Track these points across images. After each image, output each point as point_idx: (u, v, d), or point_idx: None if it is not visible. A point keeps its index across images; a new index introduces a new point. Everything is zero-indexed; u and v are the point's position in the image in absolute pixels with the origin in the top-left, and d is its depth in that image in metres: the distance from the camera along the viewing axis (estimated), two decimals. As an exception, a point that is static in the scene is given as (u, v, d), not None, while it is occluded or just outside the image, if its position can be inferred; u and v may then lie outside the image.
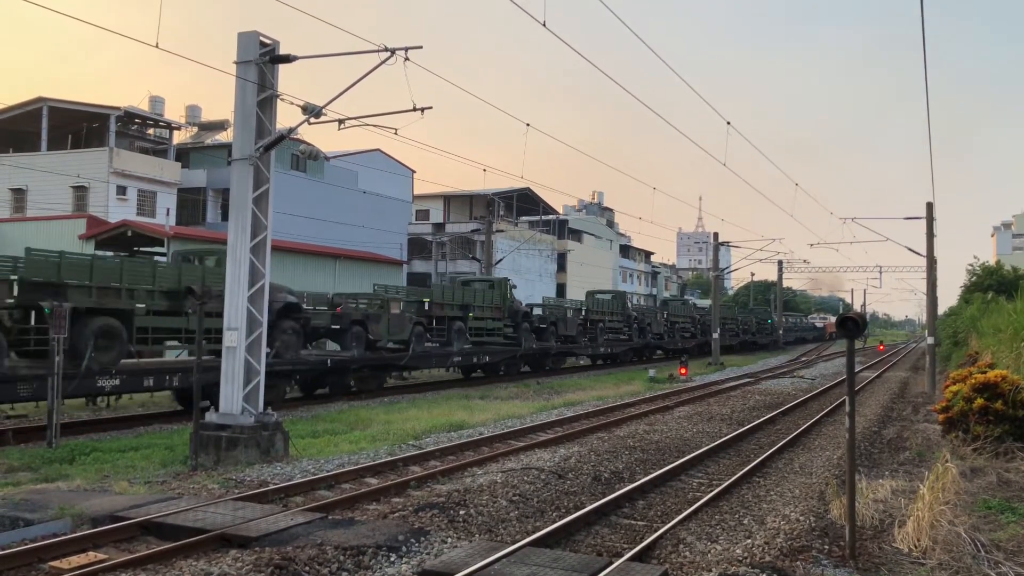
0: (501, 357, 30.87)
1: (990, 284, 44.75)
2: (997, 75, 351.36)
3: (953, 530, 8.30)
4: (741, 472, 12.66)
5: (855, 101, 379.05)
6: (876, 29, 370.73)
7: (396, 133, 14.56)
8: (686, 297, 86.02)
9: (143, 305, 17.19)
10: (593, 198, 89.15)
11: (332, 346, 25.44)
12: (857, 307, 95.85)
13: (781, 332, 70.62)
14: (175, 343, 19.36)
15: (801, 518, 9.82)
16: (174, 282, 17.77)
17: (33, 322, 15.65)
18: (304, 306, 21.91)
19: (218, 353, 14.46)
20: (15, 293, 15.15)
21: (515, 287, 33.20)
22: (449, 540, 8.59)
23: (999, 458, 12.40)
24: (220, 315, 14.51)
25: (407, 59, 12.67)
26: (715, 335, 45.21)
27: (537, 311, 35.06)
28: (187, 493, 10.62)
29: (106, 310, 16.29)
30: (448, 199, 64.43)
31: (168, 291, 17.69)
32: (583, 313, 38.64)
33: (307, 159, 44.96)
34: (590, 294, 43.10)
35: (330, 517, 9.37)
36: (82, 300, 15.81)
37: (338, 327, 23.38)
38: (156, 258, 21.51)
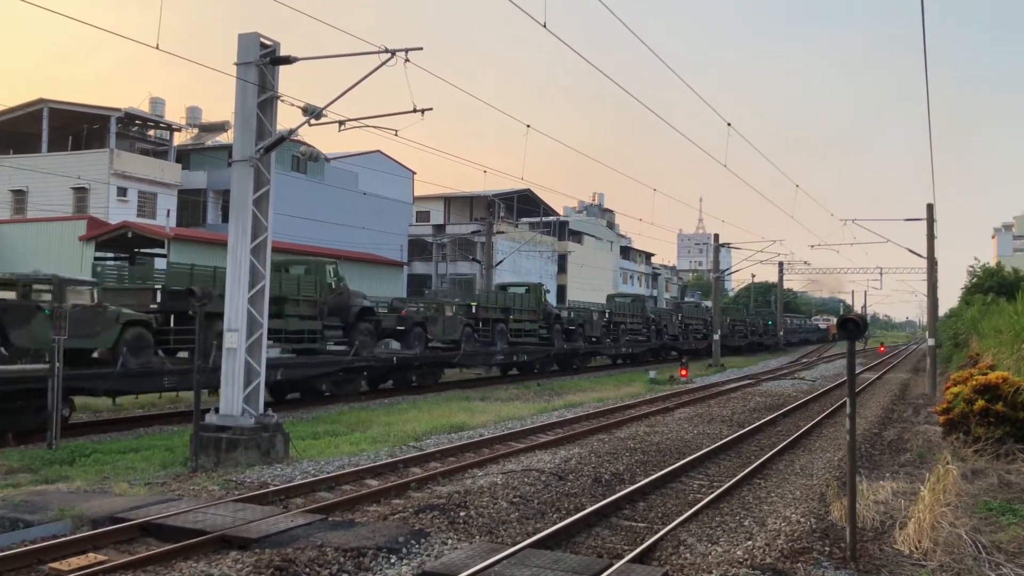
0: (536, 356, 33.35)
1: (991, 286, 44.73)
2: (998, 76, 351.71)
3: (954, 532, 8.29)
4: (742, 474, 12.65)
5: (855, 101, 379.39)
6: (876, 29, 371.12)
7: (396, 134, 14.58)
8: (687, 299, 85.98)
9: None
10: (593, 199, 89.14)
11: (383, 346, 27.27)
12: (858, 308, 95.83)
13: (782, 334, 70.58)
14: (271, 342, 20.81)
15: (802, 520, 9.81)
16: (275, 290, 19.67)
17: (173, 324, 18.54)
18: (376, 309, 24.71)
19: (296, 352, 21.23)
20: (158, 300, 18.16)
21: (548, 292, 35.89)
22: (449, 542, 8.58)
23: (1000, 460, 12.39)
24: (305, 318, 21.03)
25: (407, 60, 12.68)
26: (716, 336, 45.19)
27: (566, 314, 37.29)
28: (187, 495, 10.62)
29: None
30: (448, 200, 64.45)
31: (273, 298, 19.33)
32: (606, 316, 40.82)
33: (307, 160, 44.98)
34: (611, 297, 45.93)
35: (330, 519, 9.36)
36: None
37: (402, 328, 25.58)
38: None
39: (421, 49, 12.75)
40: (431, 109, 13.58)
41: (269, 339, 19.28)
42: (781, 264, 66.56)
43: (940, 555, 7.86)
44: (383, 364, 24.36)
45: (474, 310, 29.77)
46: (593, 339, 38.74)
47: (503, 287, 35.87)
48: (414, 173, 56.70)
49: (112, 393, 17.71)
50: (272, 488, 10.97)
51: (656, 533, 9.13)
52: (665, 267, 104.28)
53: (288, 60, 13.57)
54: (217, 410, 13.31)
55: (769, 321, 71.35)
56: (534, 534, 8.93)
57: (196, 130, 53.69)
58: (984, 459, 12.45)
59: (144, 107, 47.32)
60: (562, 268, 65.79)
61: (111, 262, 26.33)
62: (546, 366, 35.48)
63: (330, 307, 22.51)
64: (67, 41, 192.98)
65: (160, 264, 34.15)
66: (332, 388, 23.20)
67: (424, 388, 26.42)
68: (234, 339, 13.17)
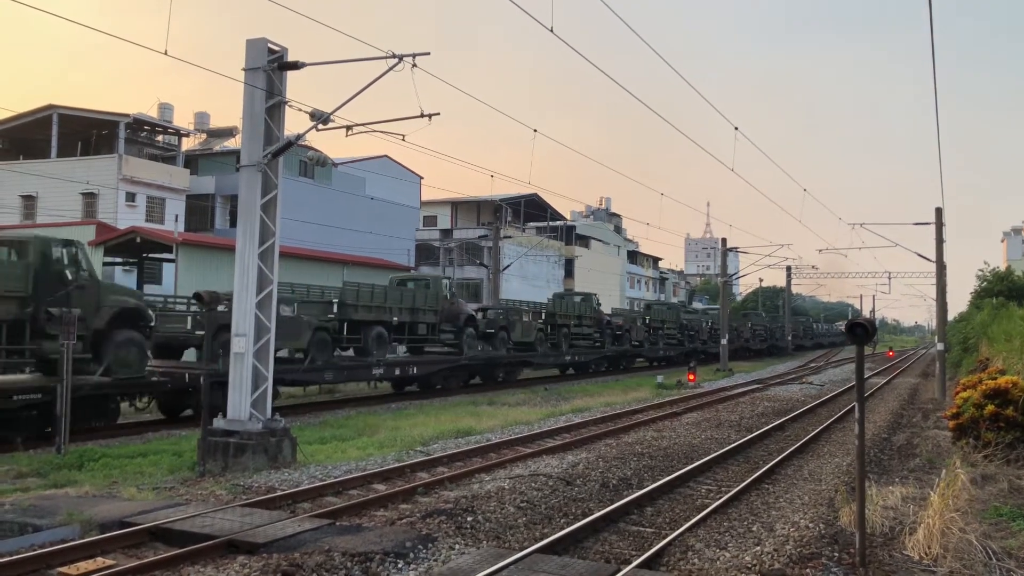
0: (592, 357, 37.45)
1: (1000, 290, 44.53)
2: (1008, 79, 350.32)
3: (964, 537, 8.24)
4: (750, 479, 12.60)
5: (865, 105, 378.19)
6: (884, 34, 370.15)
7: (404, 139, 14.62)
8: (695, 305, 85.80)
9: (396, 319, 24.41)
10: (600, 204, 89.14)
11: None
12: (866, 313, 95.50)
13: (790, 338, 70.36)
14: (397, 344, 26.22)
15: (811, 525, 9.77)
16: (410, 302, 25.09)
17: (346, 331, 22.95)
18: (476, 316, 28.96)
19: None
20: (334, 310, 22.71)
21: (599, 300, 39.92)
22: (457, 547, 8.57)
23: (1010, 465, 12.31)
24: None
25: (415, 65, 12.71)
26: (723, 341, 45.02)
27: (616, 319, 40.59)
28: (195, 499, 10.64)
29: (378, 321, 23.66)
30: (456, 205, 64.50)
31: (410, 308, 25.01)
32: (647, 321, 44.16)
33: (315, 165, 45.10)
34: (648, 305, 49.24)
35: (337, 523, 9.37)
36: (366, 315, 23.22)
37: (491, 331, 29.30)
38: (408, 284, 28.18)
39: (428, 54, 12.78)
40: (438, 114, 13.60)
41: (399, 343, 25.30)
42: (789, 268, 66.40)
43: (950, 561, 7.81)
44: (481, 362, 29.00)
45: (543, 316, 33.51)
46: (637, 343, 41.92)
47: (560, 296, 40.27)
48: (421, 178, 56.82)
49: (301, 383, 22.12)
50: (279, 493, 10.98)
51: (664, 538, 9.09)
52: (672, 271, 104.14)
53: (296, 65, 13.62)
54: (225, 415, 13.34)
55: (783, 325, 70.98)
56: (541, 539, 8.91)
57: (204, 135, 53.93)
58: (994, 464, 12.38)
59: (153, 113, 47.54)
60: (569, 273, 65.75)
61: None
62: (600, 366, 39.39)
63: (444, 315, 26.56)
64: (76, 48, 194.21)
65: (168, 270, 34.34)
66: (442, 382, 27.30)
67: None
68: (241, 343, 13.19)
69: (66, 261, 16.70)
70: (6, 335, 15.13)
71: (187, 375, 18.59)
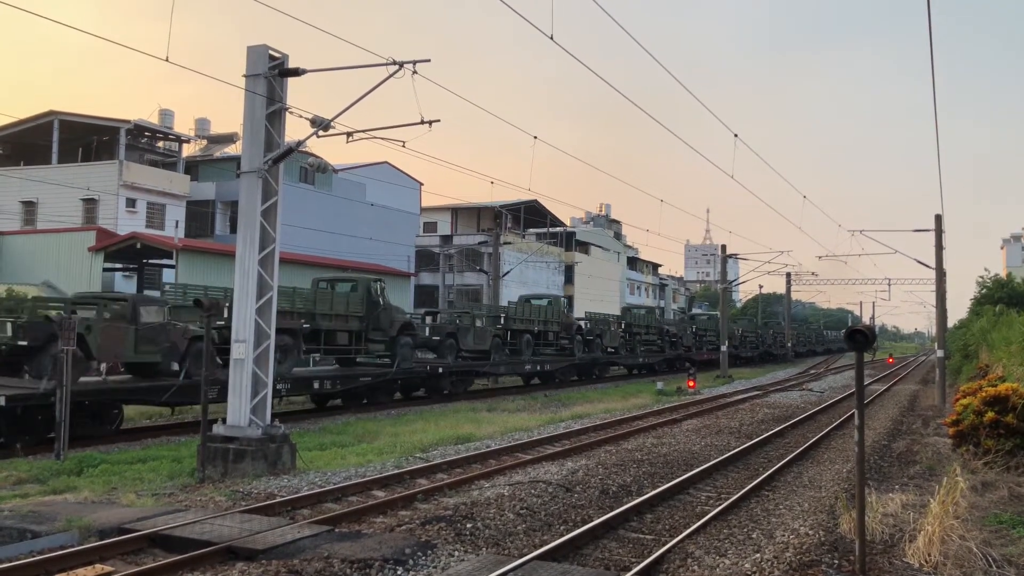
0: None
1: (1000, 297, 44.57)
2: (1006, 85, 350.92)
3: (964, 545, 8.23)
4: (750, 486, 12.59)
5: (865, 112, 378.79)
6: (884, 41, 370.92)
7: (404, 146, 14.63)
8: (695, 311, 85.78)
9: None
10: (600, 210, 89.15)
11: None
12: (866, 319, 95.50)
13: (790, 345, 70.37)
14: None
15: (810, 532, 9.76)
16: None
17: (510, 337, 28.38)
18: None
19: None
20: (502, 322, 27.82)
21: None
22: (456, 553, 8.55)
23: (1010, 472, 12.31)
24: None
25: (415, 72, 12.73)
26: (723, 347, 45.00)
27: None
28: (194, 505, 10.62)
29: (525, 331, 29.26)
30: (456, 211, 64.56)
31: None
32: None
33: (315, 172, 45.15)
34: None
35: (337, 530, 9.35)
36: (519, 325, 28.15)
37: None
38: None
39: (429, 61, 12.81)
40: (439, 121, 13.63)
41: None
42: (789, 275, 66.47)
43: (950, 568, 7.80)
44: (570, 365, 30.66)
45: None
46: (688, 348, 41.84)
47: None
48: (421, 184, 56.91)
49: (487, 375, 27.88)
50: (279, 499, 10.97)
51: (664, 545, 9.09)
52: (672, 278, 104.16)
53: (297, 72, 13.65)
54: (224, 421, 13.33)
55: (781, 332, 71.07)
56: (541, 546, 8.90)
57: (205, 142, 54.01)
58: (994, 471, 12.37)
59: (153, 119, 47.63)
60: (569, 279, 65.76)
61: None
62: (662, 367, 39.15)
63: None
64: (78, 54, 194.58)
65: (168, 275, 34.35)
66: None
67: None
68: (241, 350, 13.19)
69: (378, 292, 24.08)
70: (352, 340, 23.33)
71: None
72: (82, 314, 16.85)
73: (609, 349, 39.23)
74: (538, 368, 32.60)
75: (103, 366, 18.35)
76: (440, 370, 26.48)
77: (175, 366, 17.99)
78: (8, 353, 16.18)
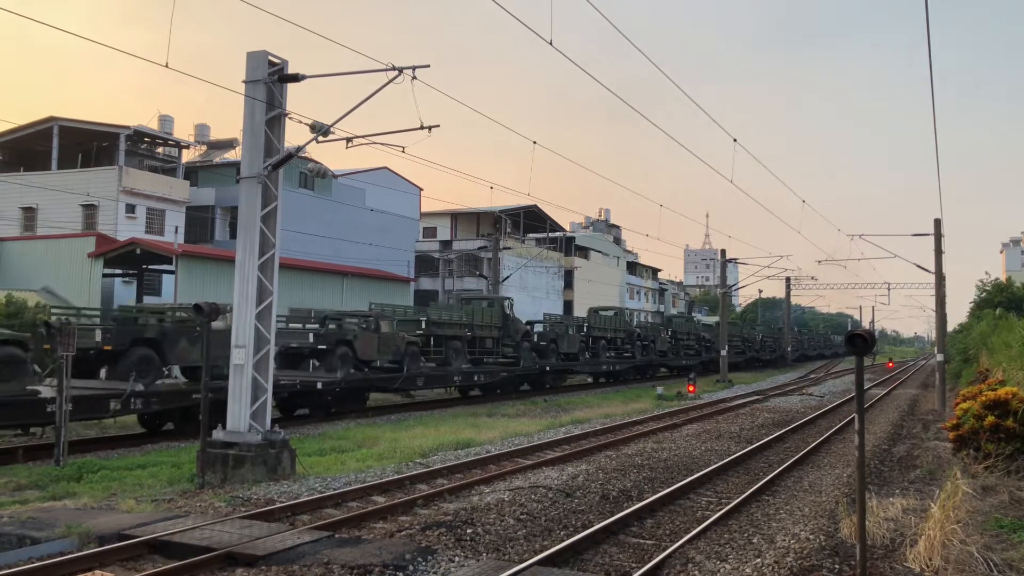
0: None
1: (1000, 301, 44.63)
2: (1005, 87, 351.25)
3: (965, 549, 8.22)
4: (750, 490, 12.58)
5: (862, 115, 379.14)
6: (883, 44, 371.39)
7: (404, 151, 14.65)
8: (695, 316, 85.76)
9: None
10: (600, 215, 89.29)
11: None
12: (866, 324, 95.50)
13: (789, 349, 70.37)
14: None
15: (811, 537, 9.74)
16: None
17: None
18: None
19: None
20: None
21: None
22: (456, 559, 8.54)
23: (1011, 476, 12.28)
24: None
25: (415, 78, 12.75)
26: (723, 352, 44.94)
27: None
28: (194, 511, 10.61)
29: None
30: (455, 216, 64.58)
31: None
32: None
33: (315, 177, 45.16)
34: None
35: (337, 535, 9.34)
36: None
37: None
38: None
39: (428, 67, 12.83)
40: (438, 126, 13.64)
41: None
42: (788, 280, 66.45)
43: (951, 573, 7.79)
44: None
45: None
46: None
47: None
48: (421, 189, 56.91)
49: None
50: (279, 505, 10.96)
51: (664, 551, 9.07)
52: (672, 283, 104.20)
53: (296, 78, 13.67)
54: (224, 426, 13.31)
55: (785, 337, 71.25)
56: (541, 551, 8.89)
57: (204, 147, 54.02)
58: (995, 476, 12.34)
59: (153, 125, 47.65)
60: (568, 284, 65.79)
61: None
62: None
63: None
64: (78, 60, 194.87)
65: (168, 281, 34.33)
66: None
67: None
68: (241, 355, 13.18)
69: (509, 308, 32.39)
70: (492, 344, 31.08)
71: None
72: (348, 326, 24.22)
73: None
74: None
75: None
76: (548, 368, 33.41)
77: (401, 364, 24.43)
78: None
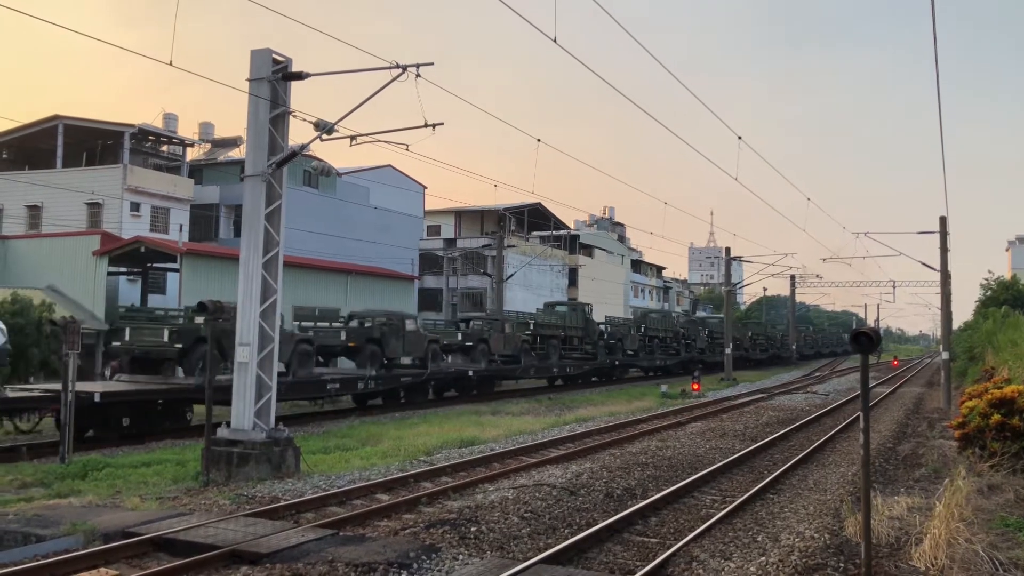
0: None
1: (1006, 299, 44.46)
2: (1010, 86, 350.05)
3: (970, 548, 8.19)
4: (755, 489, 12.56)
5: (869, 113, 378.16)
6: (891, 42, 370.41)
7: (407, 149, 14.64)
8: (699, 314, 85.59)
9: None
10: (604, 213, 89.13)
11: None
12: (871, 322, 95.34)
13: (795, 347, 70.24)
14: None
15: (816, 535, 9.72)
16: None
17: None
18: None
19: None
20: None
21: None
22: (460, 557, 8.54)
23: (1016, 475, 12.24)
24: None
25: (418, 75, 12.74)
26: (728, 350, 44.91)
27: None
28: (198, 509, 10.62)
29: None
30: (459, 214, 64.55)
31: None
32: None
33: (319, 175, 45.04)
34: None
35: (341, 533, 9.35)
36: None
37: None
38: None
39: (432, 64, 12.82)
40: (442, 124, 13.63)
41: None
42: (793, 278, 66.28)
43: (956, 572, 7.77)
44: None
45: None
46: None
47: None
48: (425, 187, 56.86)
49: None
50: (283, 503, 10.97)
51: (668, 549, 9.06)
52: (676, 281, 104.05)
53: (300, 76, 13.67)
54: (229, 424, 13.33)
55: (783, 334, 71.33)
56: (545, 550, 8.88)
57: (209, 145, 54.02)
58: (1000, 474, 12.30)
59: (158, 123, 47.69)
60: (572, 282, 65.69)
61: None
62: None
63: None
64: (83, 59, 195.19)
65: (172, 279, 34.36)
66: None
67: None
68: (245, 353, 13.20)
69: (588, 312, 38.16)
70: (576, 345, 36.72)
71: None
72: (485, 326, 31.14)
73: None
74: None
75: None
76: (617, 363, 39.79)
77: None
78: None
